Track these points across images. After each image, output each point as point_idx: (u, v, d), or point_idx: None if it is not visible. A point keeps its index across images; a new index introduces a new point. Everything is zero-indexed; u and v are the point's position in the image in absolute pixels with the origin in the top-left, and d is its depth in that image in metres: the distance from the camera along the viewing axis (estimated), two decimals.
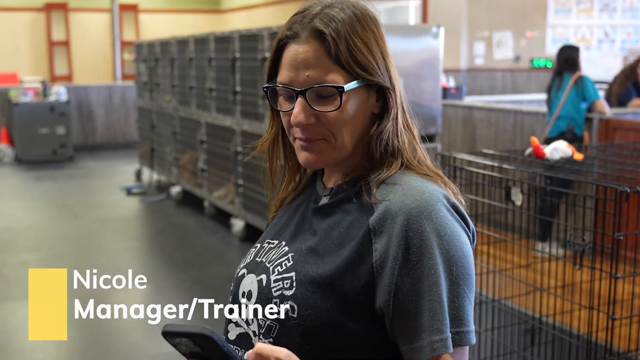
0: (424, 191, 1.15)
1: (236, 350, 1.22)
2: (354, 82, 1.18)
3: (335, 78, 1.17)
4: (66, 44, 17.24)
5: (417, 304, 1.09)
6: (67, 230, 7.02)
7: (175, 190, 8.15)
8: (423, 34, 5.19)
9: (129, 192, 8.56)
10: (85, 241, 6.66)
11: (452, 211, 1.16)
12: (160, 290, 5.28)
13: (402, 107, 1.25)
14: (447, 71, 9.96)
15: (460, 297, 1.11)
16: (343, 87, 1.16)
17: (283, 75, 1.20)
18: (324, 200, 1.26)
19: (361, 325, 1.13)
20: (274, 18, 14.58)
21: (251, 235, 6.38)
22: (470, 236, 1.18)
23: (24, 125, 11.19)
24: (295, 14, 1.23)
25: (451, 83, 8.42)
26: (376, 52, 1.20)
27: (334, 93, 1.17)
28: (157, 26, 17.63)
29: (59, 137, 11.39)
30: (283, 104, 1.23)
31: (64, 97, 11.60)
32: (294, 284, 1.17)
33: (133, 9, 17.56)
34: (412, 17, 12.11)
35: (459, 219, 1.17)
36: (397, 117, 1.23)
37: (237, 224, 6.52)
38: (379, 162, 1.23)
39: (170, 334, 1.04)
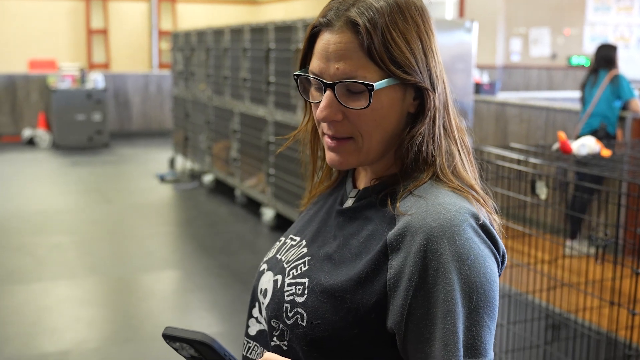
0: (449, 209, 1.05)
1: (255, 349, 1.22)
2: (386, 80, 1.08)
3: (366, 74, 1.07)
4: (104, 32, 17.44)
5: (430, 330, 1.01)
6: (101, 215, 7.14)
7: (208, 178, 8.25)
8: (456, 29, 5.20)
9: (162, 179, 8.67)
10: (118, 226, 6.78)
11: (480, 232, 1.06)
12: (190, 275, 5.37)
13: (446, 109, 1.14)
14: (482, 67, 9.93)
15: (479, 326, 1.02)
16: (373, 86, 1.07)
17: (314, 65, 1.12)
18: (349, 203, 1.19)
19: (370, 341, 1.07)
20: (311, 10, 14.62)
21: (281, 224, 6.45)
22: (499, 259, 1.09)
23: (61, 111, 11.38)
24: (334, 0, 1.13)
25: (485, 79, 8.39)
26: (416, 48, 1.09)
27: (363, 90, 1.08)
28: (194, 16, 17.76)
29: (95, 124, 11.56)
30: (314, 95, 1.15)
31: (101, 85, 11.76)
32: (306, 292, 1.12)
33: None
34: (449, 12, 12.07)
35: (488, 240, 1.07)
36: (434, 120, 1.12)
37: (268, 213, 6.59)
38: (410, 168, 1.13)
39: (170, 338, 1.01)
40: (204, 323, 4.44)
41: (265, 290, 1.20)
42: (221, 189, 8.11)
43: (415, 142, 1.11)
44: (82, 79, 11.75)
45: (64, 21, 17.25)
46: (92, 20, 17.33)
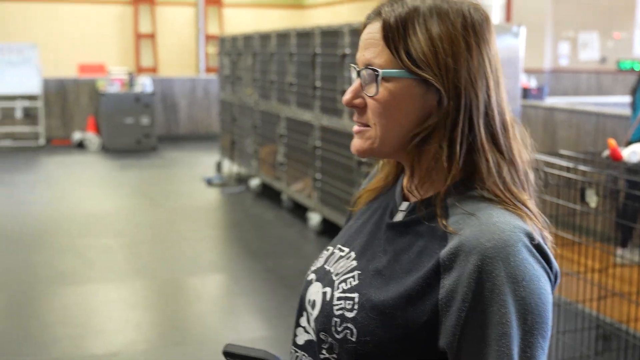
0: (503, 229, 1.04)
1: None
2: (397, 71, 1.10)
3: (381, 62, 1.11)
4: (152, 36, 17.67)
5: (484, 352, 1.00)
6: (148, 218, 7.24)
7: (254, 182, 8.30)
8: (503, 33, 5.16)
9: (209, 183, 8.75)
10: (165, 228, 6.86)
11: (535, 252, 1.04)
12: (236, 279, 5.41)
13: (491, 119, 1.12)
14: (529, 71, 9.82)
15: (533, 347, 1.01)
16: (379, 71, 1.10)
17: (357, 54, 1.17)
18: (399, 217, 1.18)
19: (418, 357, 1.07)
20: (356, 14, 14.62)
21: (328, 229, 6.46)
22: (553, 278, 1.08)
23: (110, 114, 11.56)
24: None
25: (533, 83, 8.30)
26: (441, 48, 1.08)
27: (375, 77, 1.11)
28: (241, 21, 17.90)
29: (143, 127, 11.72)
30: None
31: (149, 89, 11.92)
32: (356, 307, 1.12)
33: (217, 3, 17.87)
34: (496, 15, 11.97)
35: (542, 260, 1.05)
36: (471, 127, 1.10)
37: (314, 218, 6.61)
38: (458, 182, 1.12)
39: (231, 355, 1.01)
40: (250, 327, 4.47)
41: (314, 301, 1.20)
42: (268, 193, 8.15)
43: (442, 148, 1.10)
44: (131, 82, 11.93)
45: (112, 26, 17.52)
46: (140, 24, 17.58)
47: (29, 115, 12.28)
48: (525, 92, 7.26)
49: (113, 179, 9.52)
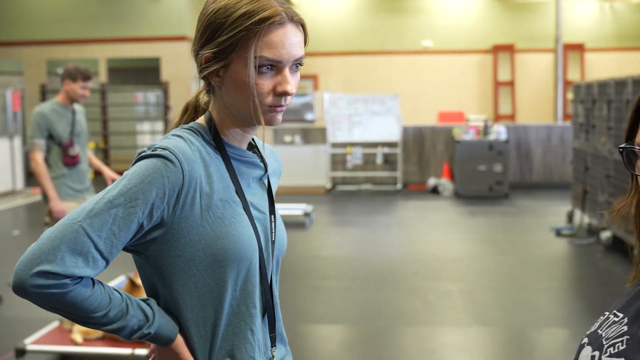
0: None
1: None
2: None
3: None
4: (511, 84, 17.77)
5: None
6: (492, 265, 7.26)
7: (606, 234, 7.91)
8: None
9: (558, 233, 8.53)
10: (508, 277, 6.83)
11: None
12: (575, 334, 5.20)
13: None
14: None
15: None
16: None
17: None
18: None
19: None
20: None
21: None
22: None
23: (464, 161, 11.84)
24: None
25: None
26: None
27: None
28: (604, 65, 17.23)
29: (496, 175, 11.81)
30: None
31: (503, 136, 12.00)
32: None
33: (579, 48, 17.42)
34: None
35: None
36: None
37: None
38: None
39: None
40: None
41: None
42: (619, 246, 7.71)
43: None
44: (485, 130, 12.11)
45: (472, 74, 17.97)
46: (499, 72, 17.79)
47: (388, 161, 13.07)
48: None
49: (462, 224, 9.71)
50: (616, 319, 1.21)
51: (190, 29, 15.87)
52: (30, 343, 4.45)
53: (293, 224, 9.49)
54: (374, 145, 13.05)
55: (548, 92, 17.10)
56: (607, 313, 1.26)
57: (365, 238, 8.70)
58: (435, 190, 12.49)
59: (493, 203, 11.24)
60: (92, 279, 1.33)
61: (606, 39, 17.58)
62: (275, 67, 1.41)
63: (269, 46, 1.38)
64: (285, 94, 1.41)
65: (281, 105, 1.43)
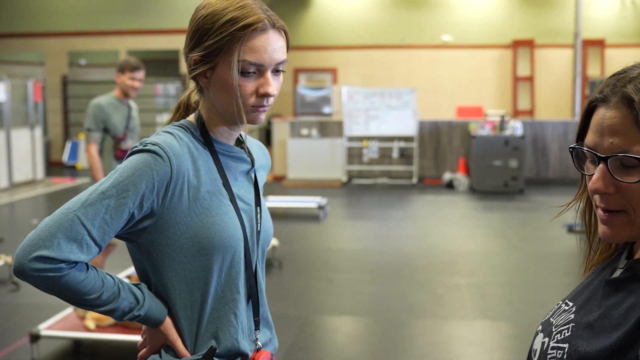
0: None
1: None
2: None
3: (638, 149, 1.09)
4: (530, 79, 17.73)
5: None
6: (502, 260, 7.31)
7: None
8: None
9: (570, 229, 8.55)
10: (517, 272, 6.88)
11: None
12: None
13: None
14: None
15: None
16: None
17: (589, 138, 1.16)
18: (617, 274, 1.21)
19: None
20: None
21: None
22: None
23: (479, 156, 11.87)
24: (612, 76, 1.18)
25: None
26: None
27: (637, 164, 1.10)
28: (625, 61, 17.01)
29: (511, 170, 11.82)
30: (588, 167, 1.20)
31: (519, 132, 12.01)
32: (565, 356, 1.18)
33: (599, 44, 17.34)
34: None
35: None
36: None
37: None
38: None
39: None
40: None
41: (536, 350, 1.28)
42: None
43: None
44: (501, 126, 12.12)
45: (491, 69, 17.94)
46: (519, 67, 17.75)
47: (404, 155, 13.12)
48: None
49: (476, 219, 9.76)
50: (566, 308, 1.29)
51: None
52: (44, 329, 4.57)
53: (307, 217, 9.58)
54: (391, 139, 13.10)
55: (567, 88, 17.04)
56: (560, 302, 1.34)
57: (378, 231, 8.78)
58: (450, 185, 12.53)
59: (508, 199, 11.26)
60: (87, 264, 1.45)
61: (627, 34, 17.48)
62: (258, 70, 1.51)
63: (252, 50, 1.48)
64: (266, 95, 1.52)
65: (263, 106, 1.54)
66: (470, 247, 7.93)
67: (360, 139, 13.19)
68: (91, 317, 4.63)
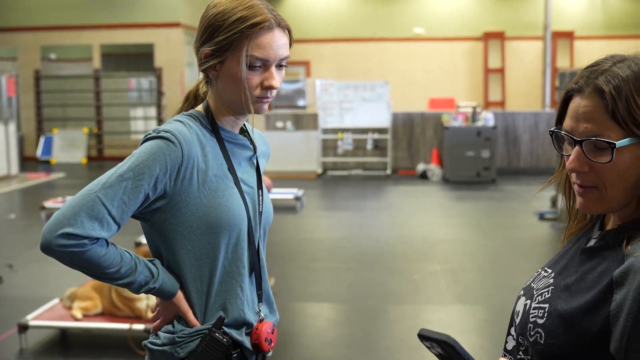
0: None
1: None
2: (629, 139, 1.26)
3: (610, 133, 1.26)
4: (501, 71, 17.99)
5: None
6: (476, 248, 7.51)
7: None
8: None
9: (541, 217, 8.77)
10: (490, 258, 7.08)
11: None
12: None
13: None
14: None
15: None
16: (615, 144, 1.25)
17: (566, 123, 1.33)
18: (591, 243, 1.38)
19: None
20: None
21: None
22: None
23: (452, 147, 12.08)
24: (586, 68, 1.33)
25: None
26: None
27: (607, 147, 1.26)
28: (593, 53, 17.23)
29: (484, 160, 12.05)
30: (566, 149, 1.36)
31: (491, 123, 12.23)
32: (545, 315, 1.34)
33: (569, 36, 17.63)
34: None
35: None
36: None
37: None
38: None
39: (423, 337, 1.28)
40: None
41: (519, 312, 1.45)
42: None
43: None
44: (473, 117, 12.33)
45: (462, 61, 18.17)
46: (490, 59, 17.99)
47: (378, 147, 13.30)
48: None
49: (450, 208, 9.96)
50: (545, 274, 1.46)
51: (183, 15, 16.03)
52: (32, 319, 4.66)
53: (284, 208, 9.72)
54: (365, 131, 13.27)
55: (537, 80, 17.31)
56: (540, 270, 1.51)
57: (354, 222, 8.94)
58: (424, 176, 12.72)
59: (480, 188, 11.49)
60: (107, 241, 1.59)
61: (595, 27, 17.80)
62: (264, 64, 1.66)
63: (258, 47, 1.64)
64: (271, 87, 1.68)
65: (267, 97, 1.70)
66: (445, 235, 8.12)
67: (335, 131, 13.33)
68: (78, 307, 4.73)
